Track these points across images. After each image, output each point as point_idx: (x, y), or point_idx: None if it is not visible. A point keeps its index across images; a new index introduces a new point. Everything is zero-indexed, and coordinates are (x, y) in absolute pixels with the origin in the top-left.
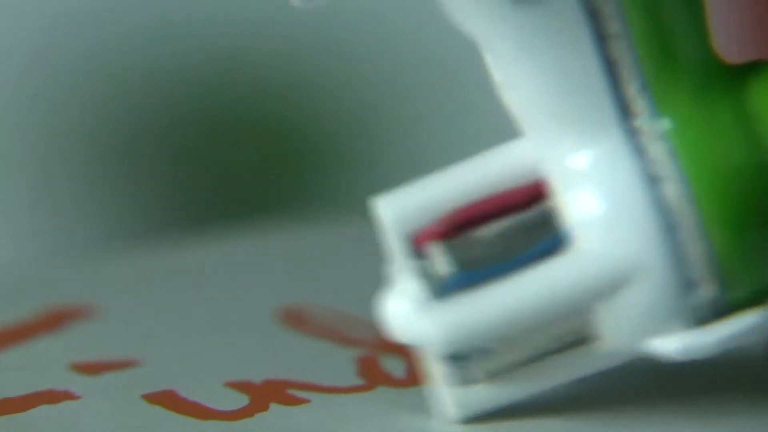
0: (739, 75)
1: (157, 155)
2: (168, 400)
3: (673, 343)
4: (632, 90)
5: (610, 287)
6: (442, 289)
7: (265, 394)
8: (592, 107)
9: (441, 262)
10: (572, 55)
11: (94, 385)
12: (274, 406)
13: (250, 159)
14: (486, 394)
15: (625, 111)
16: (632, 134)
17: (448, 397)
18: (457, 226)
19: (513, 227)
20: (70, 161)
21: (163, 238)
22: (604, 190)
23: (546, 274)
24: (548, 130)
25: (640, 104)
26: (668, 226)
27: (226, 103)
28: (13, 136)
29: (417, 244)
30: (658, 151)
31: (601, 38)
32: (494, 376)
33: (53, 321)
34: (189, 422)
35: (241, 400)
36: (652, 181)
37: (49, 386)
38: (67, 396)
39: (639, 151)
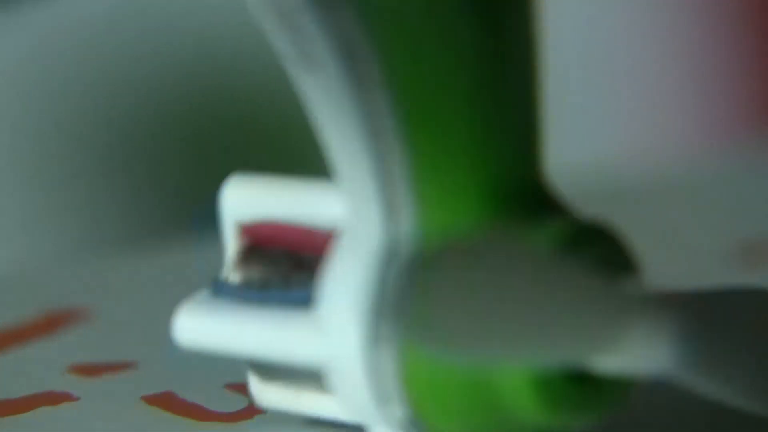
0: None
1: (154, 161)
2: (167, 401)
3: None
4: (398, 192)
5: (326, 362)
6: (218, 289)
7: None
8: (360, 199)
9: (238, 263)
10: (342, 143)
11: (93, 387)
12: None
13: (245, 164)
14: (280, 396)
15: (389, 212)
16: (392, 237)
17: (251, 386)
18: (263, 238)
19: (303, 263)
20: (67, 167)
21: (161, 241)
22: (345, 274)
23: (279, 320)
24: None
25: (403, 210)
26: (373, 338)
27: (218, 111)
28: (10, 141)
29: (243, 236)
30: (404, 265)
31: (372, 132)
32: (286, 385)
33: (52, 324)
34: (188, 424)
35: (240, 403)
36: (382, 286)
37: (49, 388)
38: (66, 398)
39: (391, 255)
